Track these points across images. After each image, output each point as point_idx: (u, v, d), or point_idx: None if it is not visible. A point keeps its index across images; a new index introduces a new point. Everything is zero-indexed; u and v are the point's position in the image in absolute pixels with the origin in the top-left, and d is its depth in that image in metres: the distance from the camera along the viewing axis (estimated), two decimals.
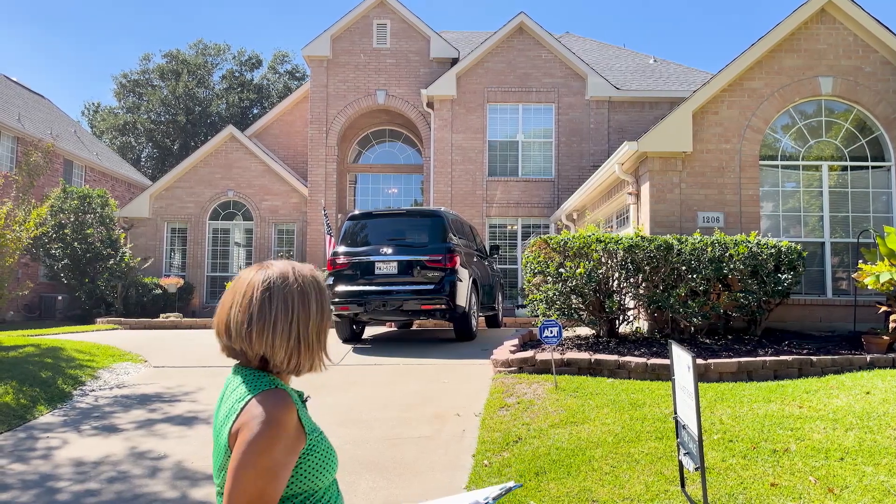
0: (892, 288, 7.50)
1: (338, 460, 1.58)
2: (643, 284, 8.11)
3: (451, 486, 4.27)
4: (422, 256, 9.23)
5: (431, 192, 17.51)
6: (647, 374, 6.63)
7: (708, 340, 7.99)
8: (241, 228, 19.23)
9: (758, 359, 6.72)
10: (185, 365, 8.55)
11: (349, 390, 6.87)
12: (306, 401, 1.62)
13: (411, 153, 20.33)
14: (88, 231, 16.99)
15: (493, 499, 1.70)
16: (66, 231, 17.01)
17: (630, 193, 10.27)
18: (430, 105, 17.64)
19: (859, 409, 5.07)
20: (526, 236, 17.26)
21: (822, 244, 9.69)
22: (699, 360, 6.60)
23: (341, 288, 9.35)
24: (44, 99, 25.56)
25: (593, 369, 6.88)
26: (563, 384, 6.34)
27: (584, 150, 17.29)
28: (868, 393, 5.57)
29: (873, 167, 9.76)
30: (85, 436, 5.63)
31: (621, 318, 8.41)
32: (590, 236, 8.06)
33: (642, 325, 8.96)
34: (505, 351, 7.66)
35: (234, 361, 1.59)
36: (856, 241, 9.52)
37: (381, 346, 9.98)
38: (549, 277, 8.19)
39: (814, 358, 6.78)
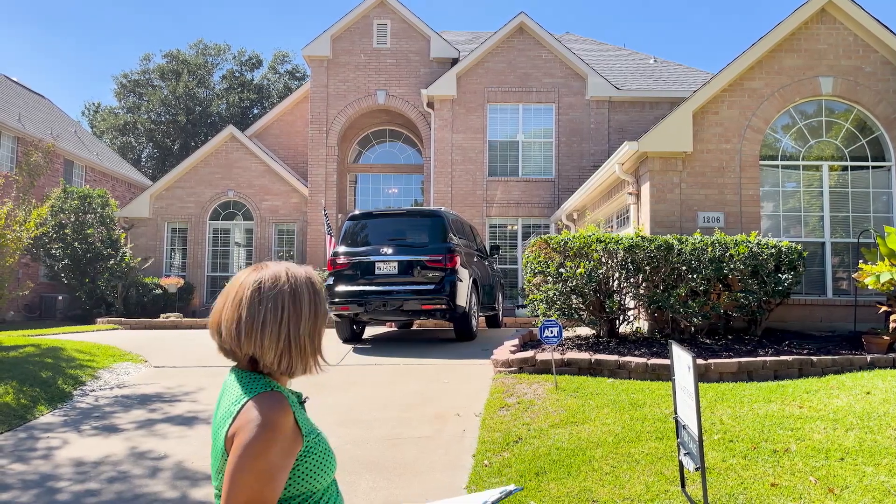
0: (892, 288, 7.50)
1: (336, 461, 1.58)
2: (643, 284, 8.11)
3: (452, 486, 4.27)
4: (422, 256, 9.23)
5: (432, 192, 17.51)
6: (647, 374, 6.63)
7: (708, 340, 7.99)
8: (242, 228, 19.23)
9: (758, 359, 6.72)
10: (185, 365, 8.55)
11: (349, 390, 6.86)
12: (305, 402, 1.61)
13: (411, 153, 20.33)
14: (89, 231, 16.99)
15: (493, 502, 1.70)
16: (66, 231, 17.01)
17: (630, 193, 10.26)
18: (430, 105, 17.64)
19: (860, 410, 5.07)
20: (526, 236, 17.26)
21: (823, 244, 9.68)
22: (699, 361, 6.60)
23: (341, 288, 9.35)
24: (44, 99, 25.57)
25: (593, 369, 6.88)
26: (564, 384, 6.34)
27: (584, 150, 17.29)
28: (868, 393, 5.57)
29: (873, 167, 9.76)
30: (85, 436, 5.63)
31: (621, 318, 8.41)
32: (590, 236, 8.06)
33: (642, 325, 8.96)
34: (505, 351, 7.66)
35: (232, 362, 1.59)
36: (856, 241, 9.52)
37: (382, 346, 9.98)
38: (549, 277, 8.19)
39: (814, 358, 6.78)
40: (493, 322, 12.27)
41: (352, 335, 10.13)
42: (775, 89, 9.68)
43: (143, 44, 65.94)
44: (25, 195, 13.62)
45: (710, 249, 7.89)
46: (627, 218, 10.92)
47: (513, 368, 7.15)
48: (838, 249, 9.75)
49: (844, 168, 9.78)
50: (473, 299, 9.89)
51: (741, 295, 7.88)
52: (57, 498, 4.30)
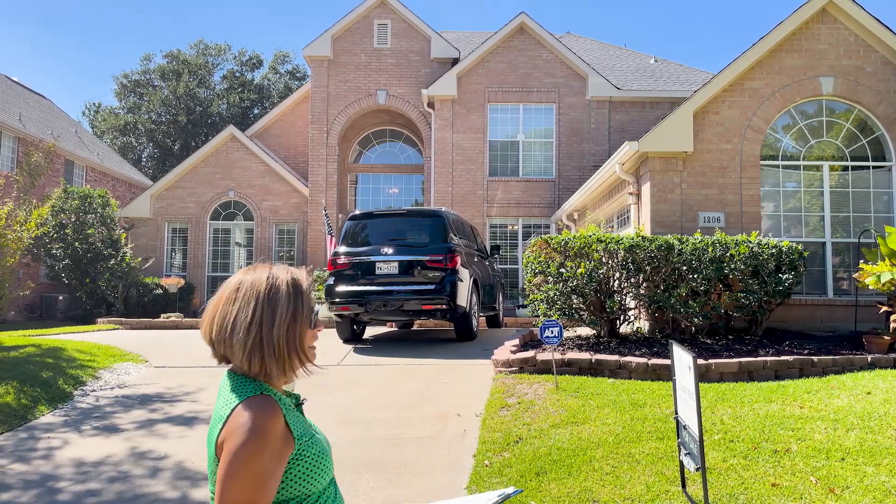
0: (892, 288, 7.50)
1: (333, 464, 1.56)
2: (644, 284, 8.11)
3: (452, 486, 4.27)
4: (422, 256, 9.22)
5: (432, 192, 17.51)
6: (647, 374, 6.63)
7: (709, 340, 7.98)
8: (242, 228, 19.24)
9: (759, 359, 6.72)
10: (185, 365, 8.55)
11: (349, 390, 6.87)
12: (302, 404, 1.60)
13: (412, 153, 20.33)
14: (89, 231, 17.00)
15: None
16: (67, 231, 17.02)
17: (631, 193, 10.26)
18: (430, 105, 17.64)
19: (860, 410, 5.07)
20: (527, 236, 17.26)
21: (823, 244, 9.68)
22: (700, 361, 6.60)
23: (342, 288, 9.35)
24: (45, 99, 25.58)
25: (594, 369, 6.88)
26: (564, 384, 6.34)
27: (584, 151, 17.29)
28: (869, 393, 5.56)
29: (874, 167, 9.76)
30: (86, 436, 5.63)
31: (622, 318, 8.40)
32: (591, 236, 8.06)
33: (643, 325, 8.96)
34: (506, 351, 7.65)
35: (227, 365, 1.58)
36: (857, 241, 9.51)
37: (382, 346, 9.98)
38: (549, 277, 8.18)
39: (815, 358, 6.77)
40: (493, 322, 12.27)
41: (352, 335, 10.13)
42: (776, 89, 9.67)
43: (143, 44, 66.01)
44: (26, 195, 13.63)
45: (710, 249, 7.89)
46: (628, 218, 10.92)
47: (513, 368, 7.15)
48: (839, 249, 9.74)
49: (845, 168, 9.77)
50: (474, 299, 9.88)
51: (742, 295, 7.87)
52: (58, 498, 4.30)
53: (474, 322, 9.88)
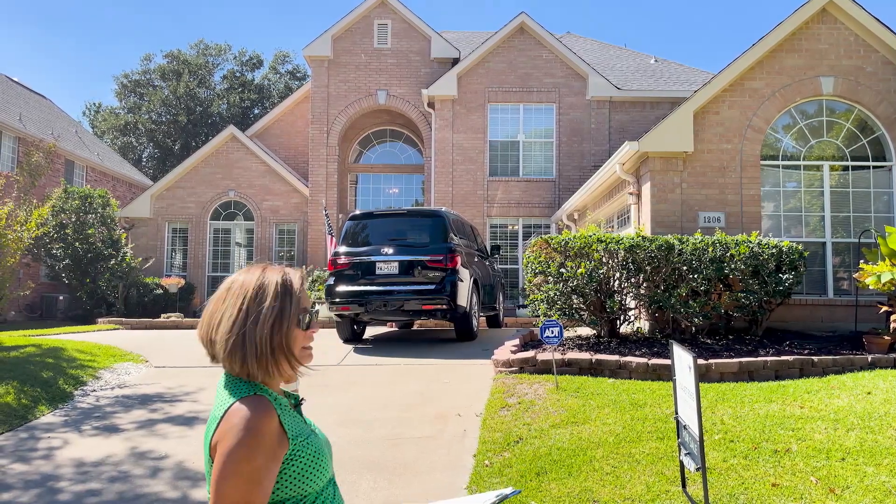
0: (893, 288, 7.49)
1: (331, 464, 1.56)
2: (644, 284, 8.11)
3: (452, 486, 4.27)
4: (423, 256, 9.22)
5: (432, 192, 17.51)
6: (648, 374, 6.63)
7: (709, 340, 7.98)
8: (242, 228, 19.24)
9: (759, 359, 6.72)
10: (186, 365, 8.55)
11: (350, 390, 6.87)
12: (301, 403, 1.60)
13: (412, 153, 20.33)
14: (90, 231, 17.00)
15: None
16: (67, 231, 17.03)
17: (631, 193, 10.26)
18: (431, 105, 17.64)
19: (860, 410, 5.07)
20: (527, 236, 17.26)
21: (824, 244, 9.68)
22: (700, 361, 6.60)
23: (342, 288, 9.35)
24: (45, 99, 25.58)
25: (594, 369, 6.88)
26: (564, 384, 6.34)
27: (585, 150, 17.29)
28: (869, 393, 5.56)
29: (874, 167, 9.76)
30: (86, 436, 5.63)
31: (622, 318, 8.40)
32: (591, 236, 8.06)
33: (643, 325, 8.95)
34: (506, 351, 7.65)
35: None
36: (857, 241, 9.51)
37: (382, 346, 9.98)
38: (550, 277, 8.18)
39: (815, 358, 6.77)
40: (493, 322, 12.27)
41: (352, 335, 10.13)
42: (776, 89, 9.67)
43: (143, 44, 66.01)
44: (26, 195, 13.63)
45: (710, 249, 7.88)
46: (628, 218, 10.92)
47: (513, 368, 7.15)
48: (839, 249, 9.74)
49: (845, 168, 9.77)
50: (474, 299, 9.89)
51: (742, 295, 7.87)
52: (58, 498, 4.30)
53: (474, 322, 9.88)
